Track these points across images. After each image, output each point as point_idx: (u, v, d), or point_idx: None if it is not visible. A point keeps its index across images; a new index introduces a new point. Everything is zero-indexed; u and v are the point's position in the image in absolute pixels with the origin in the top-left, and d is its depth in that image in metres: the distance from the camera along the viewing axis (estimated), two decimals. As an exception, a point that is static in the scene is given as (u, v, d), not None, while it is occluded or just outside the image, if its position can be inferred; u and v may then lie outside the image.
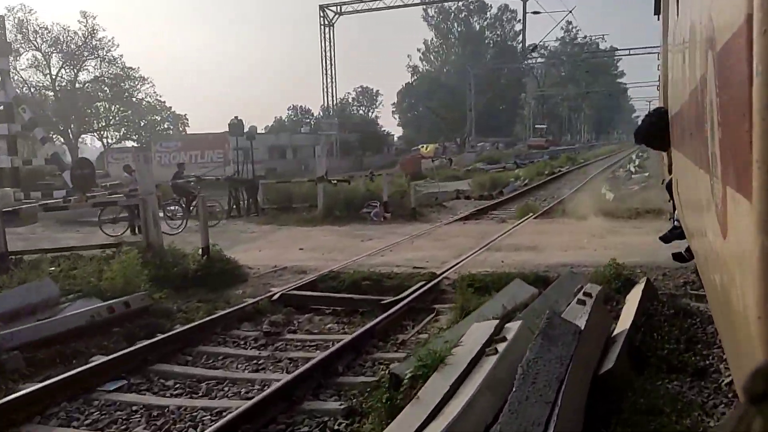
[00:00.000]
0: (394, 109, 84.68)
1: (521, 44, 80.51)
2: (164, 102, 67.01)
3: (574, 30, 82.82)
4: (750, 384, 0.46)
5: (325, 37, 50.03)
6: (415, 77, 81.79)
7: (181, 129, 66.37)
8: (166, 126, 62.41)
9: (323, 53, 50.22)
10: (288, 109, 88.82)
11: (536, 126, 72.82)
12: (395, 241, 10.72)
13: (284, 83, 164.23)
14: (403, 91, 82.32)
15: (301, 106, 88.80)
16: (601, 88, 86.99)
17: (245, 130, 21.08)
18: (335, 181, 16.54)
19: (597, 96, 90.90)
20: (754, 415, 0.44)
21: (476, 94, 65.88)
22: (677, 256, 6.04)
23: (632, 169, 26.47)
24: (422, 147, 61.60)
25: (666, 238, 6.46)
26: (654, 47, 39.62)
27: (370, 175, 24.50)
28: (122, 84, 55.11)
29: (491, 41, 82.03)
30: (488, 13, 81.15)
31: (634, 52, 55.05)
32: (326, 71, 50.87)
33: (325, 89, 51.28)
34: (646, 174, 22.44)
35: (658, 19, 8.56)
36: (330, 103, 51.77)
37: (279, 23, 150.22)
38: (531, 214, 13.70)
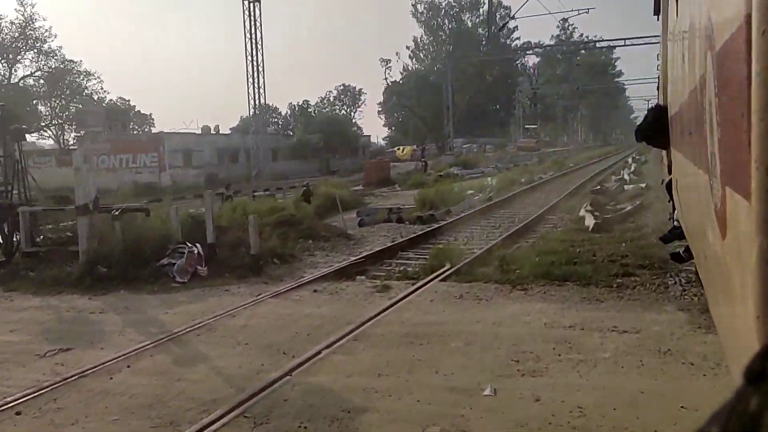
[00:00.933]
0: (380, 109, 79.28)
1: (513, 40, 76.52)
2: (128, 101, 62.51)
3: (570, 28, 79.29)
4: (749, 365, 0.48)
5: (248, 14, 38.43)
6: (403, 74, 76.68)
7: (146, 129, 62.47)
8: (131, 126, 59.42)
9: (246, 35, 38.58)
10: (253, 108, 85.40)
11: (527, 126, 68.50)
12: (90, 366, 5.47)
13: (270, 80, 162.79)
14: (389, 90, 76.36)
15: (268, 104, 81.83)
16: (597, 85, 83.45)
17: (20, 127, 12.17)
18: (116, 211, 10.26)
19: (594, 96, 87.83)
20: (751, 395, 0.46)
21: (465, 93, 63.03)
22: (675, 256, 6.07)
23: (626, 177, 22.73)
24: (398, 149, 57.95)
25: (666, 239, 6.50)
26: (651, 37, 36.07)
27: (305, 189, 19.14)
28: (65, 78, 50.75)
29: (484, 39, 76.84)
30: (481, 10, 76.28)
31: (629, 42, 49.91)
32: (252, 57, 38.95)
33: (251, 79, 39.38)
34: (643, 185, 18.47)
35: (658, 20, 8.57)
36: (257, 96, 40.20)
37: (267, 20, 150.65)
38: (446, 267, 8.58)
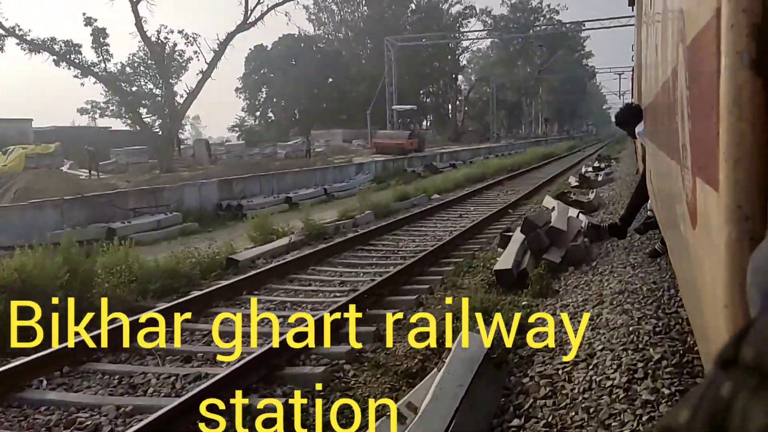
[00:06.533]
0: (240, 86, 54.42)
1: (453, 5, 58.69)
2: None
3: None
4: (721, 351, 0.50)
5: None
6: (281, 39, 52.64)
7: None
8: None
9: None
10: None
11: (393, 108, 40.75)
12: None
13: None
14: (253, 58, 52.43)
15: None
16: (561, 67, 69.02)
17: None
18: None
19: (558, 79, 72.10)
20: (724, 380, 0.47)
21: (379, 70, 46.40)
22: (653, 253, 6.06)
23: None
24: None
25: (640, 230, 6.61)
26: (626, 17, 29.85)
27: None
28: None
29: (413, 2, 58.06)
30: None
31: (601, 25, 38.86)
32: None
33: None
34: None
35: (632, 10, 8.68)
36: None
37: None
38: None
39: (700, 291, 1.84)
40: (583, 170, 19.73)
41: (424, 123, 63.51)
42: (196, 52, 35.26)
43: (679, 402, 0.50)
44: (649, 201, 5.80)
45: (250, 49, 52.44)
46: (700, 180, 1.68)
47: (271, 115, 54.11)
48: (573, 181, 16.08)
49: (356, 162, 24.74)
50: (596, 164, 21.90)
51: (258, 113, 54.15)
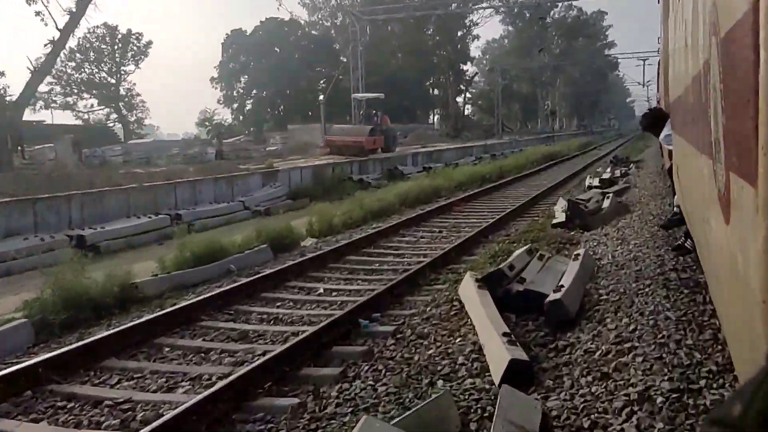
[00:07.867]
0: (216, 75, 48.02)
1: None
2: None
3: None
4: None
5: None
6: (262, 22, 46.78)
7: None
8: None
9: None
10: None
11: (355, 96, 32.41)
12: None
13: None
14: (230, 44, 47.29)
15: None
16: (580, 57, 64.66)
17: None
18: None
19: (577, 70, 67.69)
20: None
21: (390, 57, 43.42)
22: (679, 248, 5.88)
23: None
24: None
25: (666, 225, 6.53)
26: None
27: None
28: None
29: None
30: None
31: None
32: None
33: None
34: None
35: (659, 2, 8.55)
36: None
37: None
38: None
39: (732, 286, 1.82)
40: (587, 182, 13.29)
41: (431, 117, 60.34)
42: (38, 13, 22.39)
43: (731, 396, 0.50)
44: (676, 197, 5.73)
45: (226, 34, 47.70)
46: (734, 175, 1.66)
47: (249, 106, 48.56)
48: (560, 210, 8.74)
49: (283, 168, 16.72)
50: (607, 174, 14.43)
51: (235, 105, 48.03)
